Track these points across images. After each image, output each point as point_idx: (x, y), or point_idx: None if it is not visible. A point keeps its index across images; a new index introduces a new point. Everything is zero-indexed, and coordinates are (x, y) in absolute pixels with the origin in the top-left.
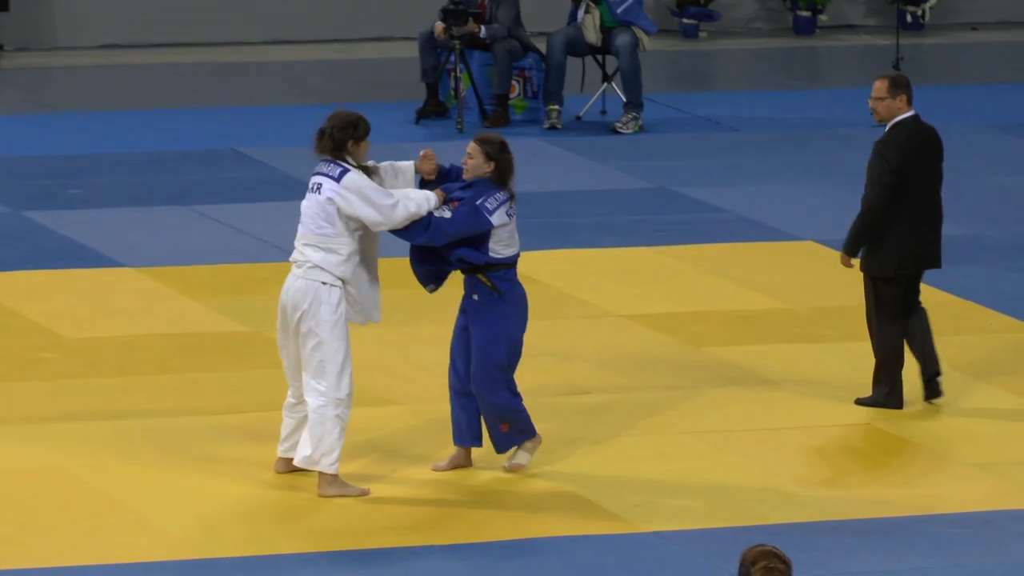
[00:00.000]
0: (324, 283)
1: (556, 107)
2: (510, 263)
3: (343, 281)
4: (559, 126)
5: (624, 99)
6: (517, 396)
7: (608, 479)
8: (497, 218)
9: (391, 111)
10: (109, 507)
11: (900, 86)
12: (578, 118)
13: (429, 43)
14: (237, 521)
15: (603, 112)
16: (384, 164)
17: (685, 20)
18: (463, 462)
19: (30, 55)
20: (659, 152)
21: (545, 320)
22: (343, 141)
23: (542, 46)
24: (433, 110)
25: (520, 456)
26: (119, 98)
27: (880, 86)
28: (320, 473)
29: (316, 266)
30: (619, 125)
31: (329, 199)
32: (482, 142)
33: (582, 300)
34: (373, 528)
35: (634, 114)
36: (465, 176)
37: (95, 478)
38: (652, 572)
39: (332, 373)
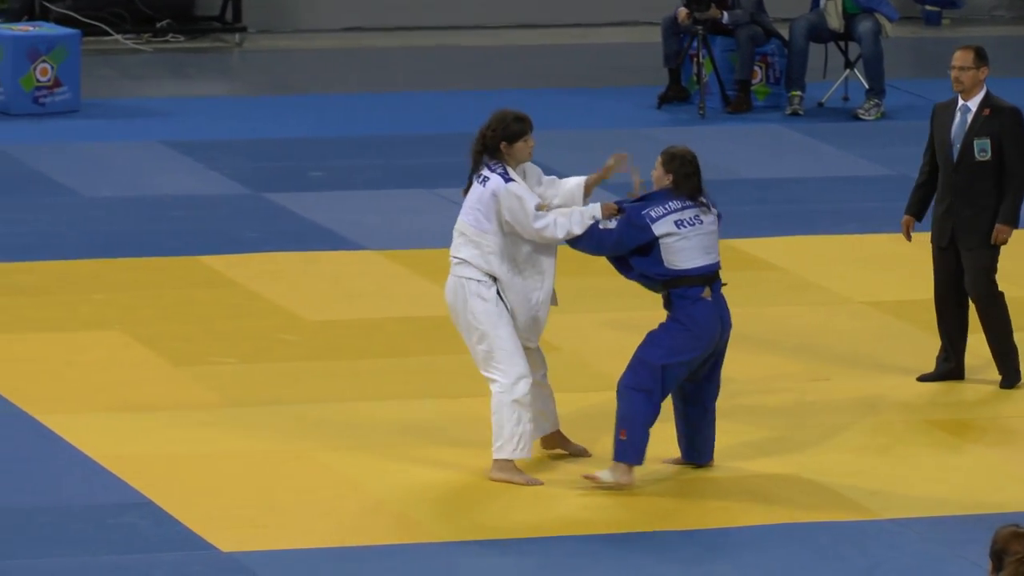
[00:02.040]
0: (471, 279)
1: (798, 93)
2: (693, 277)
3: (494, 278)
4: (801, 112)
5: (866, 86)
6: (649, 413)
7: (845, 465)
8: (661, 227)
9: (633, 96)
10: (347, 490)
11: (984, 57)
12: (820, 104)
13: (672, 28)
14: (474, 504)
15: (845, 99)
16: (548, 178)
17: (928, 7)
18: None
19: (272, 37)
20: (901, 139)
21: (786, 306)
22: (495, 142)
23: (784, 32)
24: (675, 95)
25: (606, 473)
26: (360, 81)
27: (966, 56)
28: (495, 459)
29: (465, 261)
30: (861, 112)
31: (494, 194)
32: (663, 154)
33: (822, 287)
34: (616, 515)
35: (876, 101)
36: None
37: (334, 461)
38: (890, 559)
39: (503, 360)
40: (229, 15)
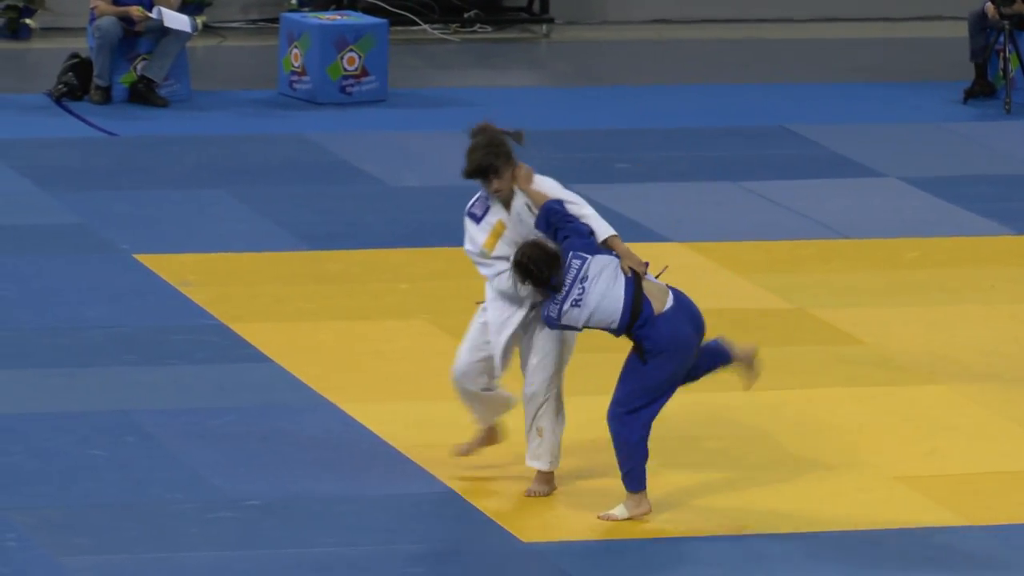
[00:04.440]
0: None
1: None
2: None
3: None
4: None
5: None
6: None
7: None
8: None
9: (939, 90)
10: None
11: None
12: None
13: (979, 24)
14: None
15: None
16: None
17: None
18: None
19: (580, 28)
20: None
21: None
22: None
23: None
24: (981, 90)
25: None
26: (668, 72)
27: None
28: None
29: None
30: None
31: None
32: None
33: None
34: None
35: None
36: None
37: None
38: None
39: None
40: (536, 6)
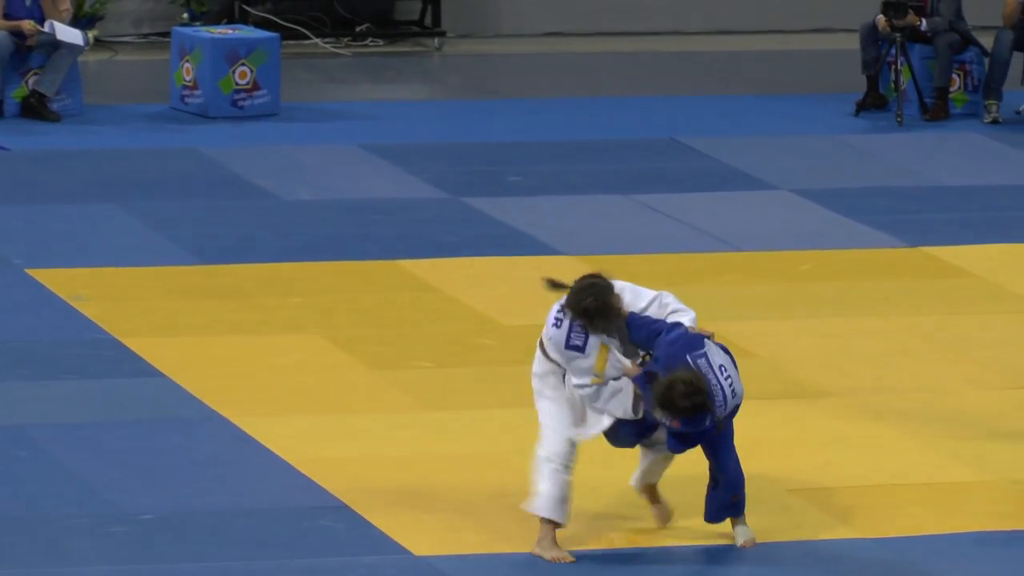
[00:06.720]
0: None
1: (995, 102)
2: None
3: None
4: (1000, 120)
5: None
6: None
7: None
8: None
9: (831, 102)
10: None
11: None
12: (1018, 112)
13: (871, 35)
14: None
15: None
16: None
17: None
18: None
19: (472, 42)
20: None
21: (982, 315)
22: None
23: (983, 40)
24: (873, 102)
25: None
26: (560, 85)
27: None
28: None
29: None
30: None
31: None
32: None
33: (1019, 295)
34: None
35: None
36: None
37: (529, 465)
38: None
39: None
40: (428, 20)
